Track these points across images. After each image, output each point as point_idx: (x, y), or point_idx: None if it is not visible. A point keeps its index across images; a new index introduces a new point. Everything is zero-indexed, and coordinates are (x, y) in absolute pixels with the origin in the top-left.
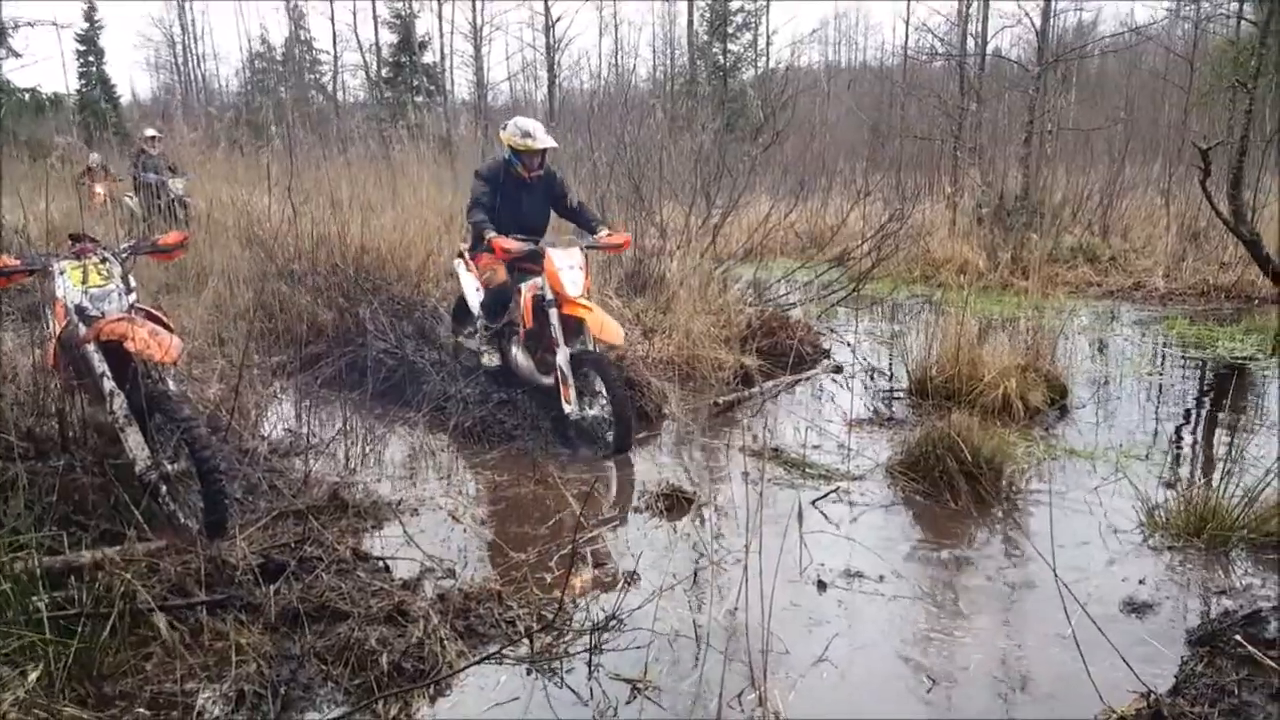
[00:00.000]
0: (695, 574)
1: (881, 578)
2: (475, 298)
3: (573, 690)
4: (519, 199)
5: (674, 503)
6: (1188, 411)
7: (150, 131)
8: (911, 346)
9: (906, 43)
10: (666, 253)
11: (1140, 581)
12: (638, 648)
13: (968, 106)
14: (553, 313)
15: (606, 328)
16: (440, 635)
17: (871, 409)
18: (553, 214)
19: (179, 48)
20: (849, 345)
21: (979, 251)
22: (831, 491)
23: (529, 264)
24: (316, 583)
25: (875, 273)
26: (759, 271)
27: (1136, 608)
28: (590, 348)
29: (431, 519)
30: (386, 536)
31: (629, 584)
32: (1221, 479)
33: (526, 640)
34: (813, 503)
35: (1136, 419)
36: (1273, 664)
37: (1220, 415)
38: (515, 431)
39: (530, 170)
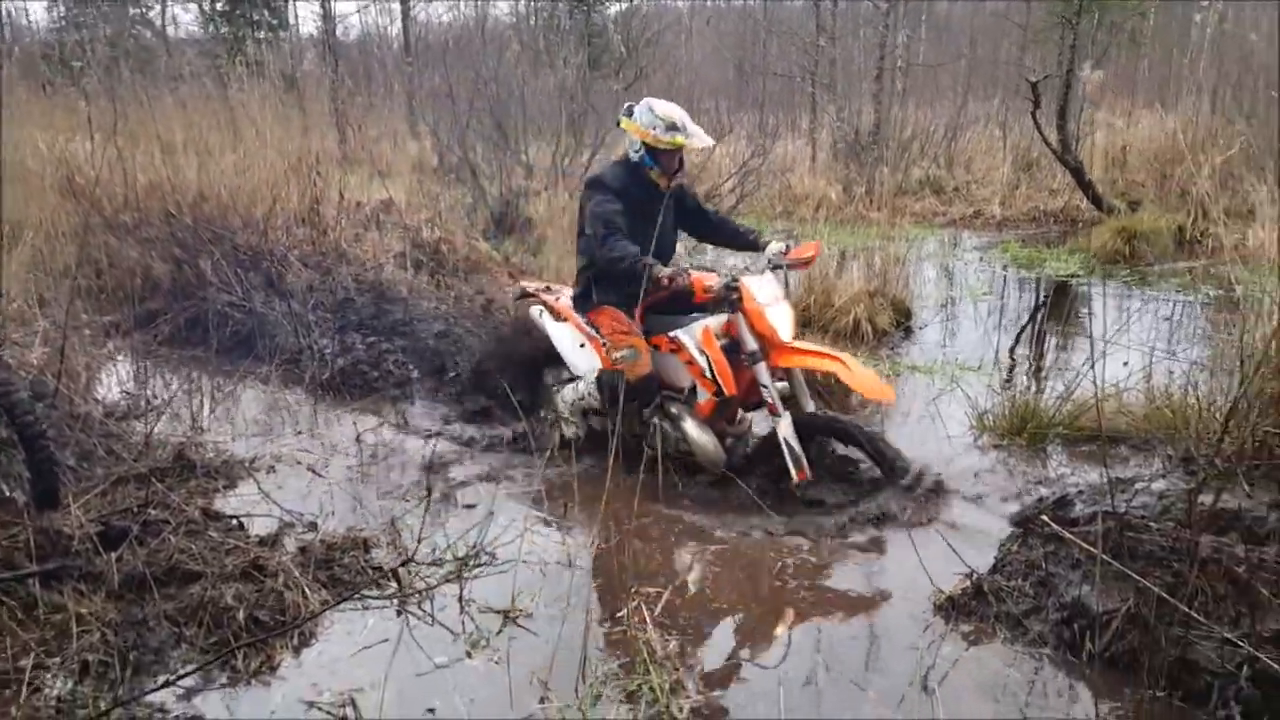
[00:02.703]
0: (566, 508)
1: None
2: (581, 358)
3: (444, 626)
4: (651, 219)
5: (537, 437)
6: (1018, 326)
7: None
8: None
9: None
10: (534, 192)
11: (974, 475)
12: (502, 574)
13: (823, 44)
14: (762, 369)
15: (868, 383)
16: (302, 586)
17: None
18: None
19: None
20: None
21: (835, 186)
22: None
23: (672, 304)
24: (164, 546)
25: (741, 209)
26: None
27: (970, 498)
28: (814, 409)
29: (290, 475)
30: (242, 495)
31: (491, 516)
32: (1041, 383)
33: (394, 582)
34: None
35: (973, 335)
36: (1074, 539)
37: (1046, 328)
38: (377, 383)
39: (671, 176)
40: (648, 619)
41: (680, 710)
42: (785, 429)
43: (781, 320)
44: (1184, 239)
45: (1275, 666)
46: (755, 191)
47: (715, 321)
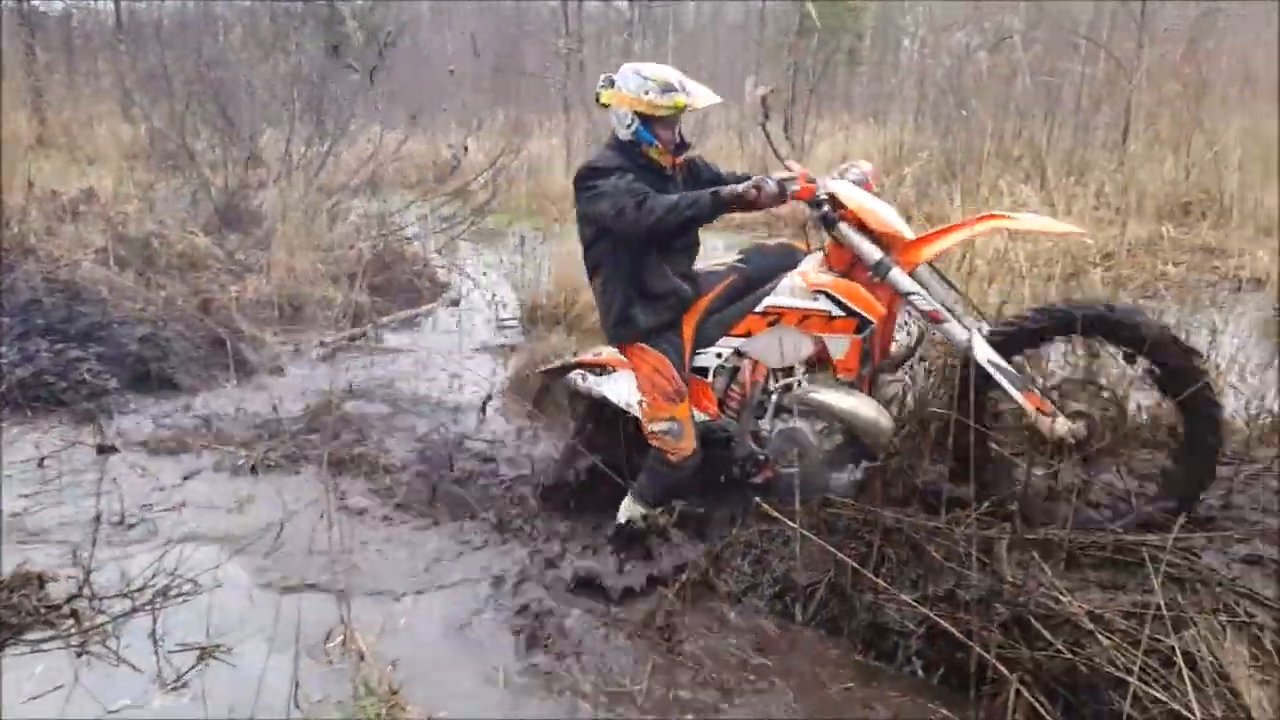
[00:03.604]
0: (282, 527)
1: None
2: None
3: (132, 665)
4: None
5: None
6: None
7: None
8: (523, 276)
9: None
10: (264, 184)
11: None
12: (199, 603)
13: (572, 47)
14: (899, 276)
15: (1050, 225)
16: None
17: (487, 340)
18: None
19: None
20: (470, 278)
21: None
22: (438, 427)
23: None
24: None
25: (497, 206)
26: (375, 204)
27: None
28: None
29: None
30: None
31: (188, 543)
32: None
33: (72, 619)
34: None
35: None
36: (780, 517)
37: None
38: (65, 395)
39: (672, 150)
40: (363, 647)
41: None
42: (981, 349)
43: (895, 215)
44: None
45: (943, 623)
46: (508, 189)
47: (809, 263)
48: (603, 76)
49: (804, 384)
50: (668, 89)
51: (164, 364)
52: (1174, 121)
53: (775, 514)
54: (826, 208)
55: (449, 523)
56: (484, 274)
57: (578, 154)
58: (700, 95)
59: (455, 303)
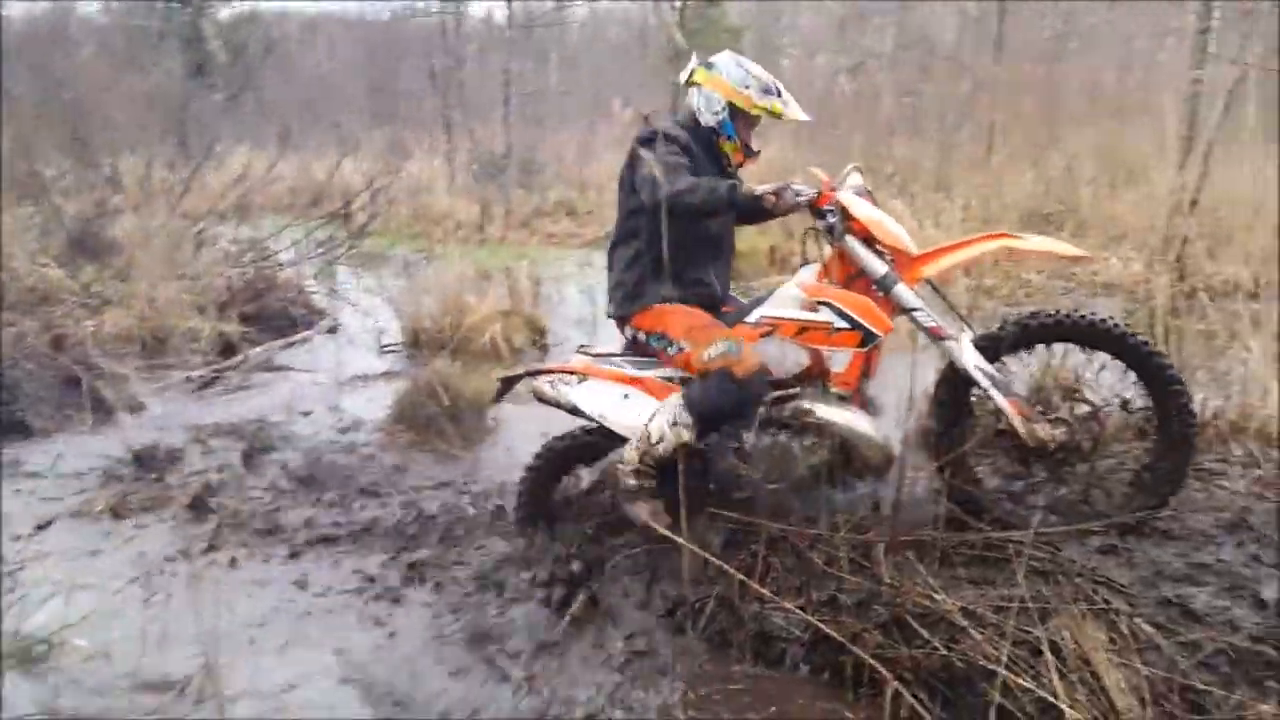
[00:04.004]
0: (148, 577)
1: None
2: (633, 413)
3: None
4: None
5: (122, 502)
6: None
7: None
8: (407, 300)
9: None
10: (121, 211)
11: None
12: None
13: (451, 66)
14: (903, 291)
15: (1055, 246)
16: None
17: (367, 367)
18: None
19: None
20: (350, 304)
21: (474, 206)
22: (315, 461)
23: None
24: None
25: (376, 229)
26: (245, 229)
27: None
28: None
29: None
30: None
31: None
32: None
33: None
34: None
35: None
36: (664, 531)
37: None
38: None
39: (745, 151)
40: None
41: None
42: (969, 355)
43: (902, 230)
44: (774, 257)
45: (824, 628)
46: (387, 210)
47: (806, 274)
48: (696, 57)
49: (803, 399)
50: (768, 91)
51: (13, 407)
52: (1031, 138)
53: (662, 531)
54: (834, 218)
55: (322, 564)
56: (364, 299)
57: (460, 173)
58: (794, 108)
59: (333, 330)
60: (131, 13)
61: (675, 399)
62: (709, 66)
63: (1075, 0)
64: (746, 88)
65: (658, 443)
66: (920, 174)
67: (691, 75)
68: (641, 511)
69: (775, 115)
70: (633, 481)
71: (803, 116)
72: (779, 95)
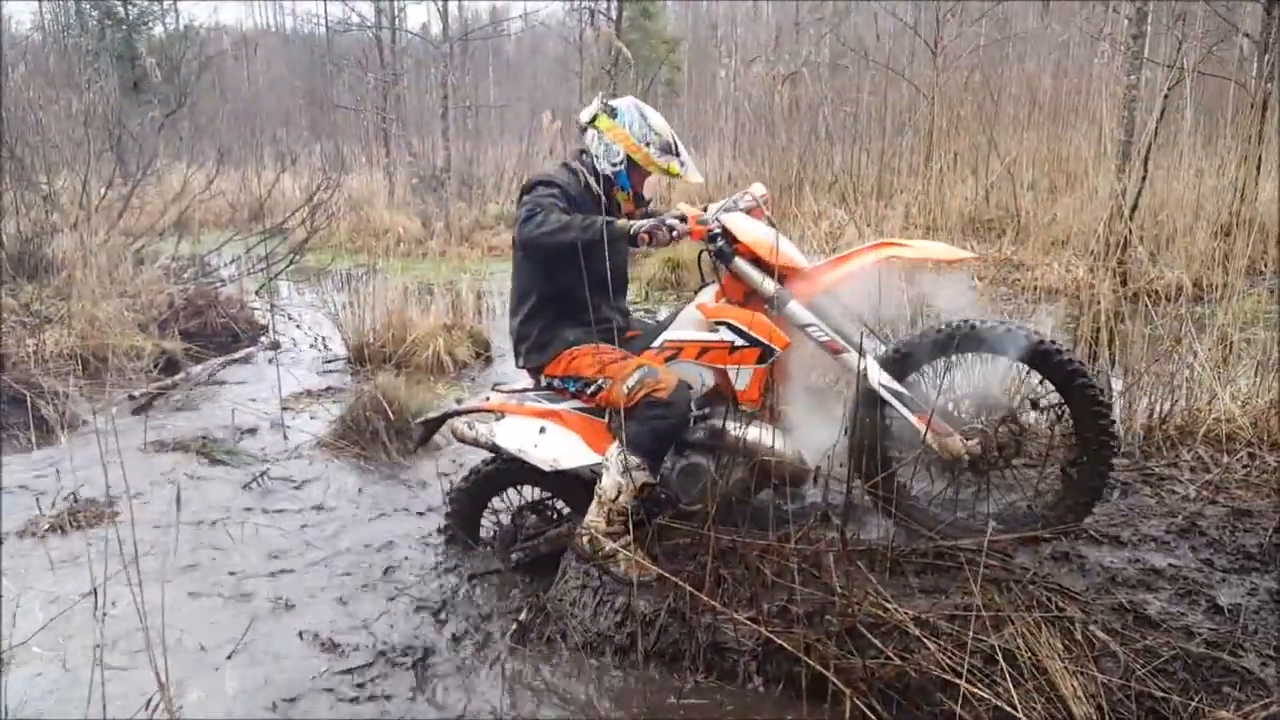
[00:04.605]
0: (95, 591)
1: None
2: (556, 447)
3: None
4: (611, 245)
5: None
6: None
7: None
8: (349, 315)
9: (326, 11)
10: (59, 229)
11: None
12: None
13: (388, 80)
14: (796, 308)
15: (940, 250)
16: None
17: (310, 383)
18: None
19: None
20: (292, 319)
21: (415, 220)
22: (261, 475)
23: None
24: None
25: (317, 243)
26: (186, 246)
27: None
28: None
29: None
30: None
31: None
32: None
33: None
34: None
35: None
36: (615, 545)
37: None
38: None
39: (639, 201)
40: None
41: None
42: (873, 372)
43: (792, 247)
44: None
45: (776, 640)
46: (327, 225)
47: (705, 295)
48: (599, 99)
49: (714, 418)
50: (667, 150)
51: None
52: (971, 144)
53: (611, 544)
54: (721, 242)
55: (272, 581)
56: (306, 314)
57: (400, 187)
58: (691, 170)
59: (275, 346)
60: (66, 31)
61: (614, 449)
62: (612, 113)
63: (1011, 0)
64: (647, 144)
65: (616, 497)
66: (861, 182)
67: (592, 120)
68: (627, 570)
69: (672, 175)
70: (608, 544)
71: (697, 179)
72: (677, 155)
